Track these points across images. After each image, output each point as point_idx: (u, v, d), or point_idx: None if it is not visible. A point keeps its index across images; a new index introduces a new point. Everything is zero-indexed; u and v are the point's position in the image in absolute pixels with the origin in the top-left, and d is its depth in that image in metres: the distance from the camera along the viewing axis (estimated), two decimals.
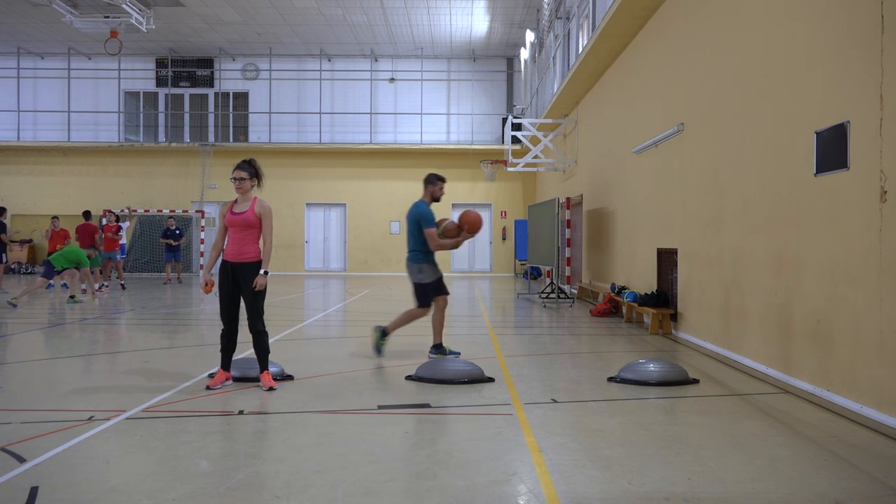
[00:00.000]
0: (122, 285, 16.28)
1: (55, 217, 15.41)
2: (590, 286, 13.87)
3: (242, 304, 5.58)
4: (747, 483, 3.43)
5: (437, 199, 7.04)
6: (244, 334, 5.66)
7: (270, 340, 5.69)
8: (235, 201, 5.60)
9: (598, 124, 13.78)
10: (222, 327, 5.55)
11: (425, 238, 6.79)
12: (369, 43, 22.86)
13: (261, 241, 5.61)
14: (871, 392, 4.63)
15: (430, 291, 6.89)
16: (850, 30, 4.94)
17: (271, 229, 5.63)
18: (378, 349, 6.93)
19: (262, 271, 5.51)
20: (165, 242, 18.41)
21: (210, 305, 13.07)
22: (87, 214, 15.67)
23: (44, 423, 4.43)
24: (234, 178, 5.53)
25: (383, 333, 6.93)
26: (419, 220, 6.81)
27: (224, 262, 5.55)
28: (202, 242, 22.26)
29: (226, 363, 5.56)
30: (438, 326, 6.95)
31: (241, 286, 5.51)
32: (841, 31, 5.08)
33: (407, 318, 6.96)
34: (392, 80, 24.22)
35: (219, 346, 5.60)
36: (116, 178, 23.70)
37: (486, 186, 23.70)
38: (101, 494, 3.23)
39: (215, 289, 5.62)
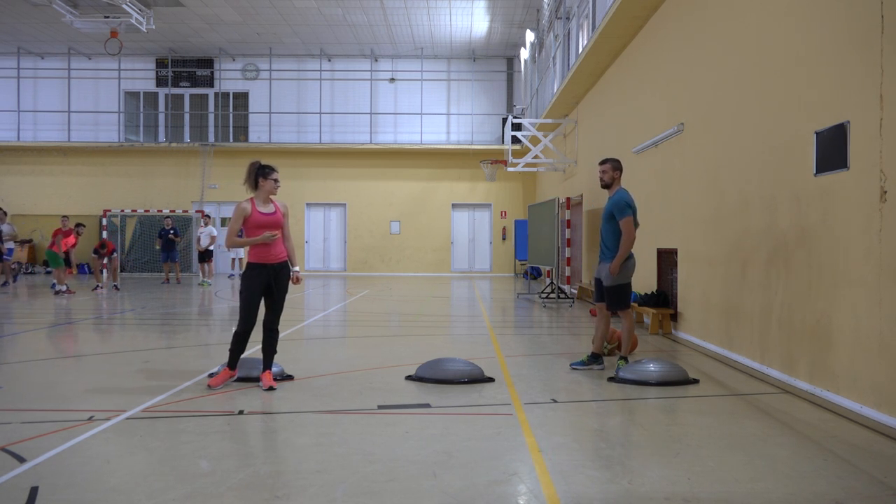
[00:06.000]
0: (115, 286, 16.20)
1: (65, 216, 15.53)
2: (590, 286, 13.87)
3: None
4: (747, 483, 3.43)
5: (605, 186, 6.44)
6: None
7: None
8: (252, 200, 5.55)
9: (598, 124, 13.78)
10: (239, 327, 5.48)
11: (621, 230, 6.11)
12: (369, 43, 22.86)
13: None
14: (871, 392, 4.63)
15: (629, 292, 6.30)
16: (850, 30, 4.94)
17: (289, 227, 5.75)
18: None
19: (296, 269, 5.68)
20: (160, 242, 18.47)
21: (210, 305, 13.07)
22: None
23: (44, 423, 4.43)
24: (277, 180, 5.60)
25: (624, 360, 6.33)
26: (613, 210, 6.12)
27: (258, 266, 5.46)
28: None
29: (235, 362, 5.56)
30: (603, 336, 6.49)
31: (274, 286, 5.52)
32: (841, 31, 5.08)
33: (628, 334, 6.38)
34: (392, 80, 24.22)
35: (227, 346, 5.55)
36: (116, 178, 23.69)
37: (486, 186, 23.70)
38: (102, 494, 3.23)
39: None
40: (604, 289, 6.39)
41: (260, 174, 5.56)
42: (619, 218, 6.21)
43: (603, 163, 6.49)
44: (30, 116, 24.05)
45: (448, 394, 5.36)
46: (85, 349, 7.81)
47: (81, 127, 24.00)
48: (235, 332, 5.51)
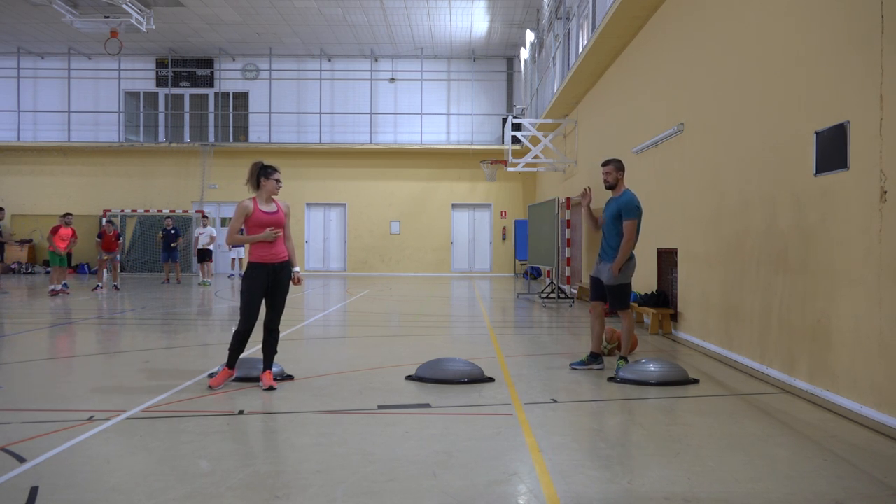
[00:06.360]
0: (115, 286, 16.08)
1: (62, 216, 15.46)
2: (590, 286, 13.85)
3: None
4: (747, 483, 3.43)
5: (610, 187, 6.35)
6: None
7: None
8: (255, 199, 5.56)
9: (598, 124, 13.78)
10: (240, 326, 5.47)
11: (624, 232, 6.14)
12: (369, 43, 22.86)
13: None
14: (871, 392, 4.63)
15: (629, 292, 6.34)
16: (850, 30, 4.95)
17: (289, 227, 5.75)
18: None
19: (296, 269, 5.68)
20: (162, 241, 18.43)
21: (210, 305, 13.08)
22: None
23: (44, 423, 4.43)
24: (279, 180, 5.61)
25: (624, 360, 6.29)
26: (622, 211, 6.13)
27: (259, 265, 5.47)
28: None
29: (234, 362, 5.55)
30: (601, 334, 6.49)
31: (274, 286, 5.52)
32: (841, 31, 5.08)
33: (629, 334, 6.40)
34: (392, 80, 24.21)
35: (227, 346, 5.54)
36: (116, 178, 23.69)
37: (487, 186, 23.70)
38: (102, 494, 3.23)
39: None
40: (605, 287, 6.38)
41: (262, 174, 5.57)
42: (625, 219, 6.19)
43: (606, 164, 6.43)
44: (30, 116, 24.05)
45: (448, 394, 5.36)
46: (85, 349, 7.81)
47: (81, 127, 24.00)
48: (236, 331, 5.50)
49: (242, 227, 5.54)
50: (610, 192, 6.51)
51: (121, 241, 16.55)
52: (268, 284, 5.50)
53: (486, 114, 24.08)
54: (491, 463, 3.70)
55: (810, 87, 5.50)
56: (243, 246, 17.77)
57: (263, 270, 5.48)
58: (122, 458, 3.77)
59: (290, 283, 5.67)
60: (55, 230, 14.74)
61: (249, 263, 5.54)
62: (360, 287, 17.82)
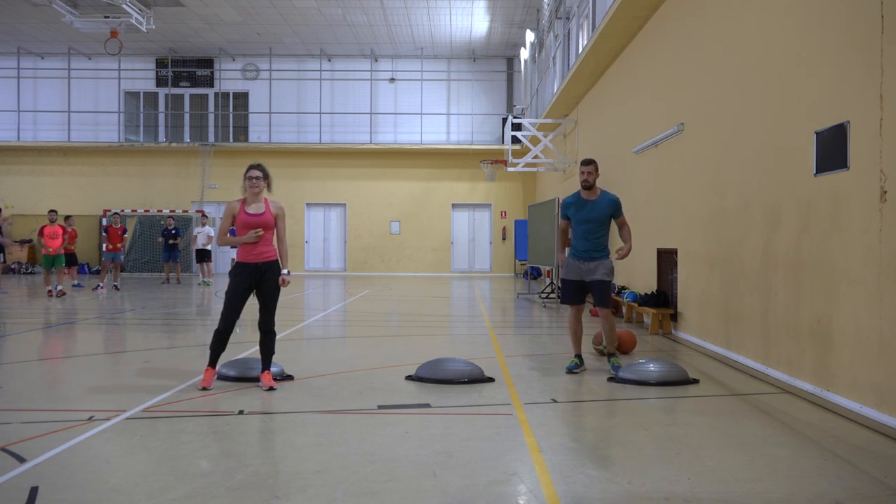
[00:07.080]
0: (115, 286, 16.01)
1: (66, 216, 15.42)
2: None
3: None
4: (747, 483, 3.43)
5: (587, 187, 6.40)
6: (236, 335, 5.63)
7: None
8: (244, 200, 5.58)
9: (598, 124, 13.78)
10: (219, 325, 5.46)
11: (619, 227, 6.42)
12: (369, 43, 22.86)
13: (275, 241, 5.65)
14: (871, 392, 4.63)
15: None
16: (850, 30, 4.95)
17: (285, 228, 5.71)
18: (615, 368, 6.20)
19: (284, 271, 5.63)
20: (162, 241, 18.43)
21: (210, 305, 13.07)
22: None
23: (44, 423, 4.43)
24: (252, 178, 5.53)
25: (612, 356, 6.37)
26: (612, 211, 6.33)
27: (242, 265, 5.49)
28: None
29: (215, 361, 5.53)
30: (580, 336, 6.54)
31: (261, 286, 5.51)
32: (840, 32, 5.08)
33: (611, 328, 6.47)
34: (392, 80, 24.21)
35: (209, 345, 5.52)
36: (116, 178, 23.69)
37: (487, 186, 23.70)
38: (102, 494, 3.23)
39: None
40: (599, 284, 6.39)
41: (245, 176, 5.60)
42: (619, 217, 6.46)
43: (588, 163, 6.43)
44: (30, 116, 24.05)
45: (448, 394, 5.36)
46: (85, 349, 7.81)
47: (81, 127, 23.99)
48: (215, 330, 5.51)
49: (233, 228, 5.58)
50: (586, 191, 6.44)
51: (126, 235, 16.48)
52: (251, 284, 5.50)
53: (486, 114, 24.08)
54: (491, 463, 3.70)
55: (810, 87, 5.50)
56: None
57: (246, 270, 5.49)
58: (122, 458, 3.77)
59: (280, 283, 5.63)
60: (41, 231, 14.43)
61: (234, 262, 5.60)
62: (359, 287, 17.82)
